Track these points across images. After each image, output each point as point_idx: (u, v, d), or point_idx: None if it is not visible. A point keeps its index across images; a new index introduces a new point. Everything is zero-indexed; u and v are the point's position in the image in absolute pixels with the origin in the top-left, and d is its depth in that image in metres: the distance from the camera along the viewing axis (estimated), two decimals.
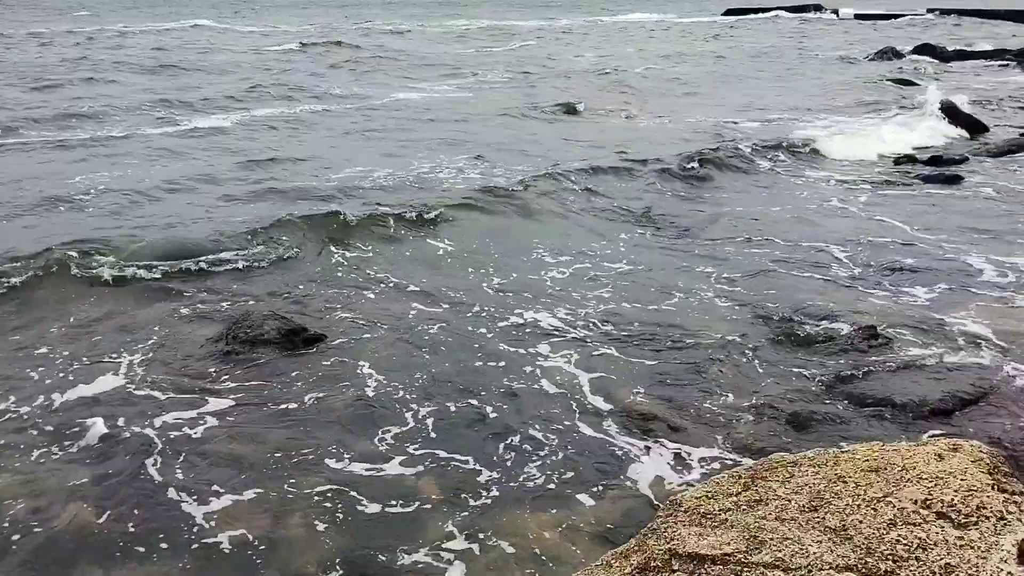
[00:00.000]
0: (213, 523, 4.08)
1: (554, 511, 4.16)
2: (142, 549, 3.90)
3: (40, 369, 5.59)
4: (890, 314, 6.57)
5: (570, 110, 17.34)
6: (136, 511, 4.15)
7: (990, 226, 9.14)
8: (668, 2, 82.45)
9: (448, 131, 14.81)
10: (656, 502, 4.14)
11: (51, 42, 31.64)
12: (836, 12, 65.03)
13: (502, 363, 5.81)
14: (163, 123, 15.11)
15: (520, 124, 16.00)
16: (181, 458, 4.62)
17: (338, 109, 17.64)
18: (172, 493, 4.31)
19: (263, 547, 3.92)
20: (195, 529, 4.04)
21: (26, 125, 14.23)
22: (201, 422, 4.99)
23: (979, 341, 6.05)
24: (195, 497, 4.28)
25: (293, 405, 5.20)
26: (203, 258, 7.63)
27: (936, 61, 30.77)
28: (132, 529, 4.02)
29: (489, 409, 5.18)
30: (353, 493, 4.32)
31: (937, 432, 4.85)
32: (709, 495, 2.75)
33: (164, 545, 3.93)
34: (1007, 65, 29.45)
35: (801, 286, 7.28)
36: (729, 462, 4.57)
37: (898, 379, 5.48)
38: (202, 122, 15.30)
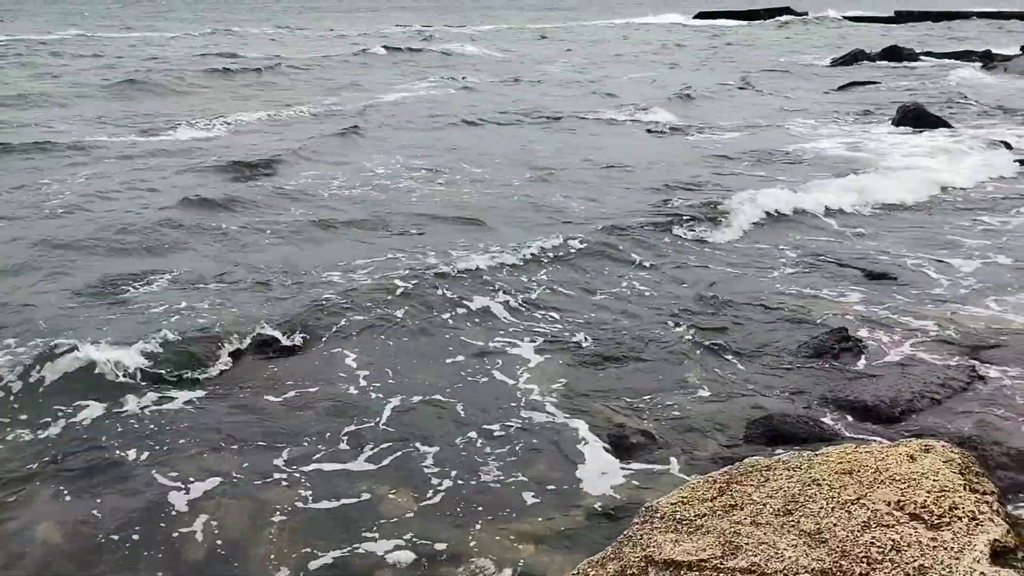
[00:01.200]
0: (182, 524, 4.07)
1: (528, 519, 4.14)
2: (109, 553, 3.88)
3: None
4: (861, 317, 6.63)
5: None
6: (99, 512, 4.14)
7: (961, 223, 9.27)
8: (640, 5, 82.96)
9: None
10: (632, 508, 4.13)
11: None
12: (806, 14, 65.86)
13: (473, 370, 5.79)
14: None
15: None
16: (149, 463, 4.57)
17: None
18: (140, 498, 4.28)
19: (229, 552, 3.90)
20: (163, 527, 4.05)
21: None
22: (171, 429, 4.93)
23: (948, 343, 6.12)
24: (164, 498, 4.27)
25: (265, 413, 5.15)
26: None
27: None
28: (96, 528, 4.03)
29: (461, 418, 5.15)
30: (324, 503, 4.28)
31: (908, 432, 4.89)
32: (684, 501, 2.74)
33: (128, 552, 3.89)
34: (973, 65, 29.96)
35: (771, 290, 7.32)
36: (703, 466, 4.57)
37: (869, 380, 5.53)
38: None
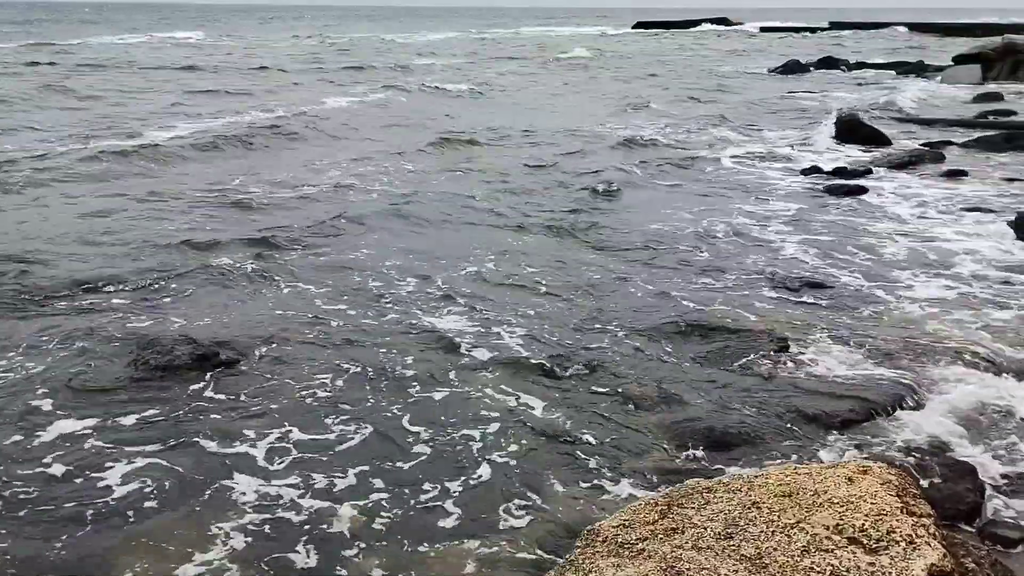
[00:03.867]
0: (115, 557, 3.86)
1: (474, 540, 4.06)
2: None
3: None
4: (801, 327, 6.71)
5: None
6: (27, 545, 3.92)
7: (893, 238, 9.48)
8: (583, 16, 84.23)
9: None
10: (575, 526, 4.08)
11: None
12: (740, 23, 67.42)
13: (423, 380, 5.70)
14: None
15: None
16: (83, 491, 4.37)
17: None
18: (71, 527, 4.08)
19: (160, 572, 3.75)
20: (96, 563, 3.84)
21: None
22: (103, 456, 4.72)
23: (887, 353, 6.21)
24: (96, 530, 4.07)
25: (202, 434, 4.97)
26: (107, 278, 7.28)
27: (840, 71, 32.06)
28: (25, 564, 3.80)
29: (408, 432, 5.05)
30: (266, 528, 4.13)
31: (849, 442, 4.96)
32: (626, 524, 2.71)
33: None
34: (907, 76, 30.93)
35: (709, 299, 7.37)
36: (648, 478, 4.56)
37: (810, 392, 5.58)
38: None
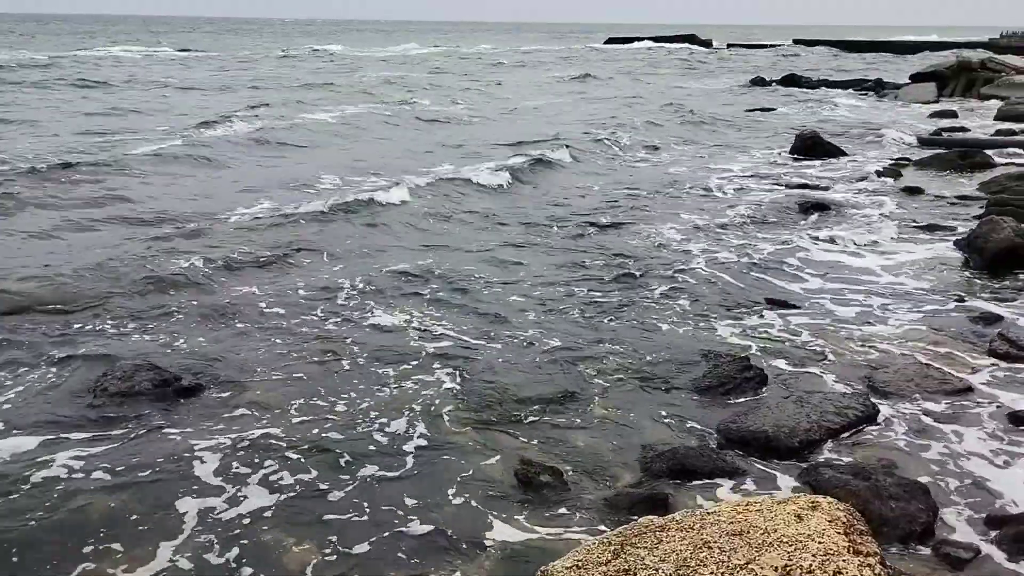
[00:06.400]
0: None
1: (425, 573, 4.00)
2: None
3: None
4: (761, 346, 6.77)
5: None
6: None
7: (851, 255, 9.62)
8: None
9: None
10: (533, 557, 4.05)
11: None
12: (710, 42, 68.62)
13: (381, 406, 5.65)
14: None
15: None
16: (41, 523, 4.29)
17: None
18: (26, 557, 4.01)
19: None
20: None
21: None
22: (61, 486, 4.62)
23: (845, 373, 6.28)
24: (39, 557, 4.01)
25: (162, 464, 4.88)
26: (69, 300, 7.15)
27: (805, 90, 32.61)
28: None
29: (362, 466, 4.98)
30: (212, 556, 4.06)
31: (808, 463, 4.98)
32: (579, 565, 2.69)
33: None
34: (866, 94, 31.53)
35: (665, 319, 7.40)
36: (608, 504, 4.53)
37: (769, 411, 5.61)
38: None
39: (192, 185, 13.09)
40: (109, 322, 7.10)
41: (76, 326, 6.98)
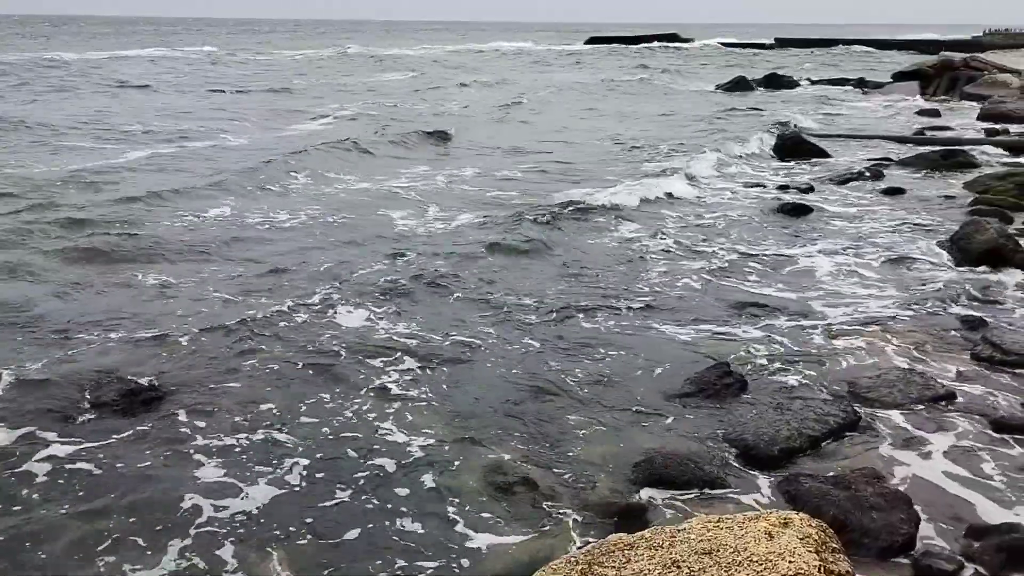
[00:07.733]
0: None
1: None
2: None
3: None
4: (744, 352, 6.70)
5: None
6: None
7: (832, 258, 9.57)
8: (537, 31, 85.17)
9: None
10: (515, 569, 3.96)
11: None
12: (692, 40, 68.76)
13: (351, 422, 5.54)
14: None
15: None
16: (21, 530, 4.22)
17: None
18: None
19: None
20: None
21: None
22: (17, 501, 4.51)
23: (825, 380, 6.22)
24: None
25: (121, 480, 4.77)
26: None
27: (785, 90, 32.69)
28: None
29: (332, 473, 4.88)
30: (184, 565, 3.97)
31: (787, 471, 4.92)
32: None
33: None
34: (848, 91, 31.67)
35: (648, 326, 7.32)
36: (587, 513, 4.46)
37: (750, 418, 5.55)
38: None
39: None
40: (77, 332, 6.95)
41: (39, 335, 6.82)
